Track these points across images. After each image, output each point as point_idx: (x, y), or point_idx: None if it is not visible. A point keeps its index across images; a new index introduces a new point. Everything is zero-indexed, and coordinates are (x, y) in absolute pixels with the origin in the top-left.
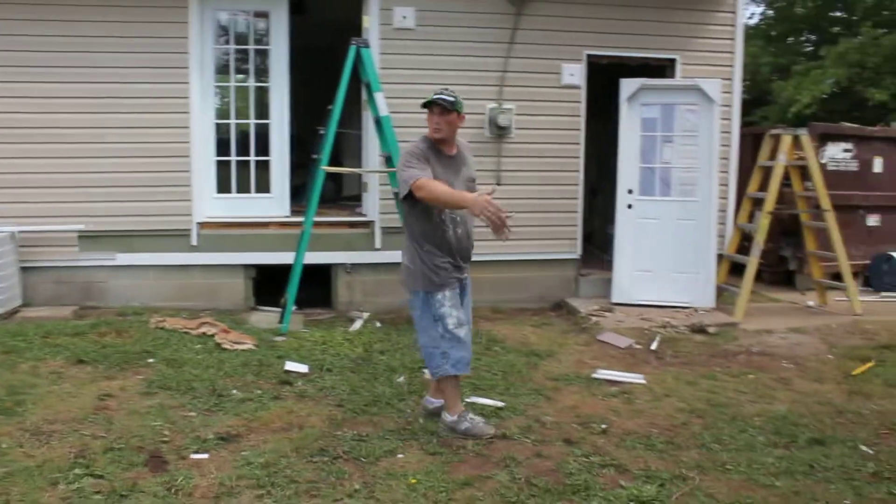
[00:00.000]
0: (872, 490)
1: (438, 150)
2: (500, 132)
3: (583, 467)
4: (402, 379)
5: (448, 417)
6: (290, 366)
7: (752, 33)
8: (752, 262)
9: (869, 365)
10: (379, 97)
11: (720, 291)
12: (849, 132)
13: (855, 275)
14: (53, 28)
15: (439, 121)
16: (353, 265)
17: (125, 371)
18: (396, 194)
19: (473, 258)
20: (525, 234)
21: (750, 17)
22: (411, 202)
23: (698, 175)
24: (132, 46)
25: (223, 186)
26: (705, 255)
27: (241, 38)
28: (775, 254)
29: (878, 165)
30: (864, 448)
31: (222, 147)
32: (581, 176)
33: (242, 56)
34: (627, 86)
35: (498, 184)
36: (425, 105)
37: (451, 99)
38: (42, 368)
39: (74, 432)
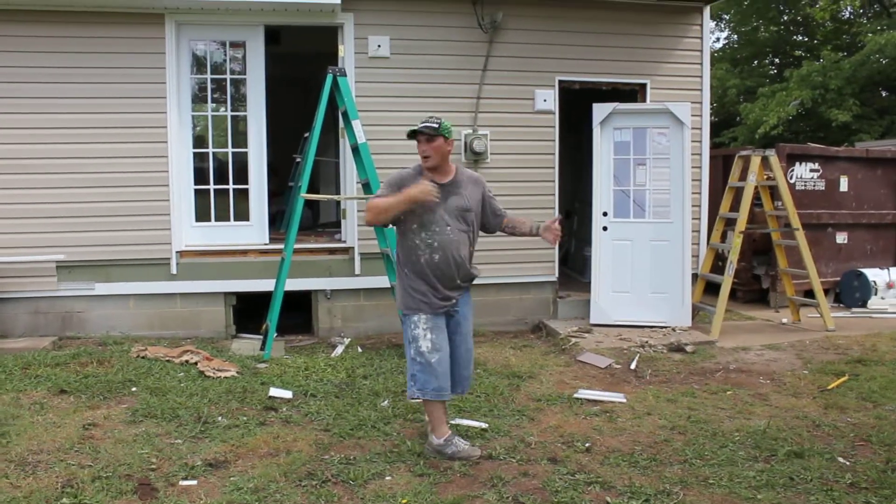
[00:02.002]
0: (851, 500)
1: (428, 178)
2: (475, 157)
3: (569, 485)
4: (386, 403)
5: (435, 441)
6: (275, 392)
7: (718, 57)
8: (727, 281)
9: (843, 379)
10: (356, 124)
11: (696, 310)
12: (815, 152)
13: (826, 291)
14: (31, 59)
15: (426, 148)
16: (333, 291)
17: (108, 400)
18: None
19: None
20: (503, 258)
21: (716, 41)
22: (394, 225)
23: (671, 196)
24: (109, 77)
25: (202, 215)
26: (680, 275)
27: (217, 68)
28: (748, 272)
29: (843, 184)
30: (841, 460)
31: (200, 176)
32: (556, 199)
33: (219, 85)
34: (600, 110)
35: None
36: (410, 135)
37: (435, 125)
38: (24, 399)
39: (61, 462)
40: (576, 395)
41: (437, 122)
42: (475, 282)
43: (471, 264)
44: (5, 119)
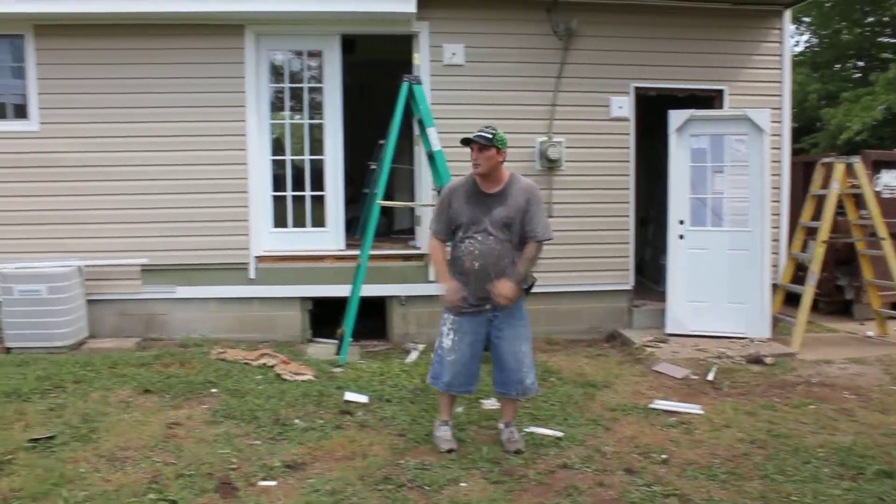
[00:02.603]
0: None
1: (475, 187)
2: (550, 165)
3: (646, 497)
4: (460, 409)
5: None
6: (350, 396)
7: (798, 61)
8: (808, 292)
9: None
10: (431, 132)
11: (775, 322)
12: None
13: None
14: (120, 71)
15: (478, 156)
16: (408, 297)
17: (190, 401)
18: None
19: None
20: (577, 266)
21: (796, 45)
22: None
23: (750, 205)
24: (191, 87)
25: (279, 221)
26: (759, 285)
27: (294, 77)
28: (831, 283)
29: None
30: None
31: (278, 182)
32: (632, 207)
33: (296, 94)
34: (676, 117)
35: (549, 216)
36: (464, 142)
37: (489, 136)
38: (112, 398)
39: (146, 459)
40: (652, 406)
41: (491, 133)
42: (549, 289)
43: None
44: (93, 129)
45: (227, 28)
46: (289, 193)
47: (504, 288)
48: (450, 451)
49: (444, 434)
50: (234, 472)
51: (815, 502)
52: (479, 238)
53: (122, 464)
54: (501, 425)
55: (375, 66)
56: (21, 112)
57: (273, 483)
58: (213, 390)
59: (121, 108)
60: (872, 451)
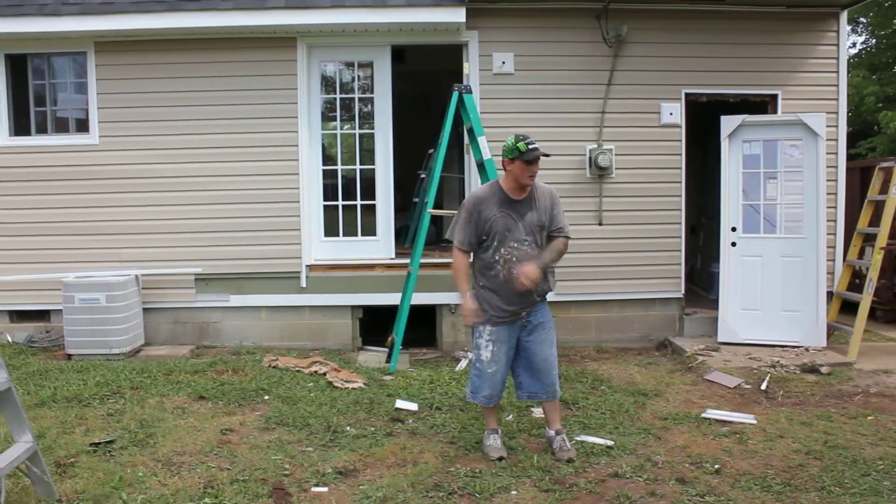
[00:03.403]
0: None
1: (504, 195)
2: (600, 172)
3: None
4: (510, 417)
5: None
6: (401, 404)
7: (854, 63)
8: (865, 300)
9: None
10: (482, 141)
11: (831, 330)
12: None
13: None
14: (174, 85)
15: (534, 171)
16: (457, 305)
17: (243, 407)
18: None
19: (578, 297)
20: (627, 274)
21: (852, 47)
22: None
23: (804, 211)
24: (244, 98)
25: (330, 230)
26: (814, 293)
27: (345, 87)
28: (889, 291)
29: None
30: None
31: (329, 192)
32: (682, 214)
33: (347, 104)
34: (728, 123)
35: (599, 224)
36: (528, 159)
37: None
38: (167, 404)
39: (202, 464)
40: (703, 415)
41: (537, 144)
42: (599, 297)
43: (546, 278)
44: (150, 141)
45: (280, 40)
46: (339, 203)
47: (529, 270)
48: (500, 459)
49: (493, 443)
50: (287, 477)
51: None
52: (515, 245)
53: (178, 468)
54: (552, 433)
55: (429, 75)
56: (82, 126)
57: (325, 489)
58: (266, 397)
59: (176, 120)
60: None
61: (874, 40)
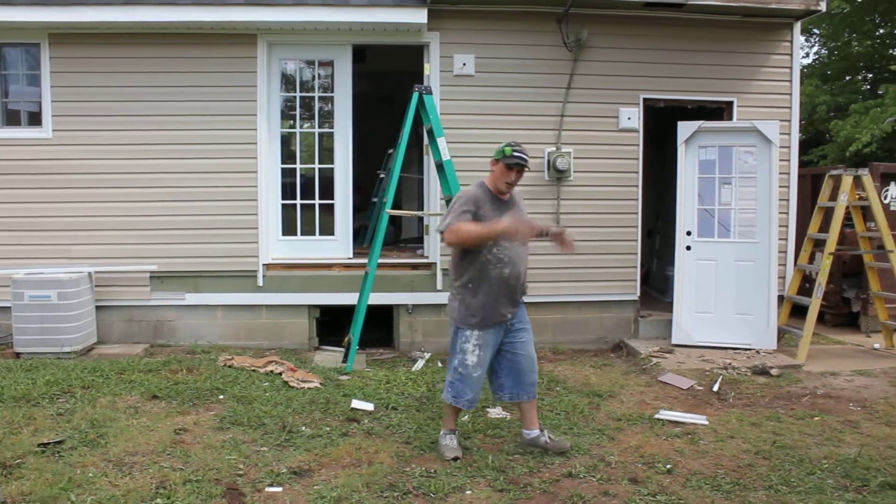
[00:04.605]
0: None
1: (494, 196)
2: (558, 175)
3: None
4: (466, 417)
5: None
6: (357, 404)
7: (807, 73)
8: (815, 304)
9: None
10: (441, 142)
11: (781, 333)
12: None
13: None
14: (132, 80)
15: (518, 178)
16: (415, 306)
17: (198, 407)
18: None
19: (535, 299)
20: (584, 276)
21: (805, 57)
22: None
23: (757, 216)
24: (202, 95)
25: (288, 229)
26: (766, 297)
27: (305, 86)
28: (838, 295)
29: None
30: None
31: (287, 190)
32: (639, 218)
33: (307, 103)
34: (684, 128)
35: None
36: (508, 164)
37: (528, 158)
38: (120, 403)
39: (154, 464)
40: (657, 416)
41: (526, 154)
42: (556, 299)
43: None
44: (105, 136)
45: (240, 37)
46: (298, 202)
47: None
48: (455, 458)
49: (450, 443)
50: (241, 478)
51: None
52: (506, 245)
53: (130, 469)
54: (535, 433)
55: (390, 75)
56: (35, 119)
57: (279, 489)
58: (221, 397)
59: (132, 115)
60: (877, 464)
61: (826, 51)
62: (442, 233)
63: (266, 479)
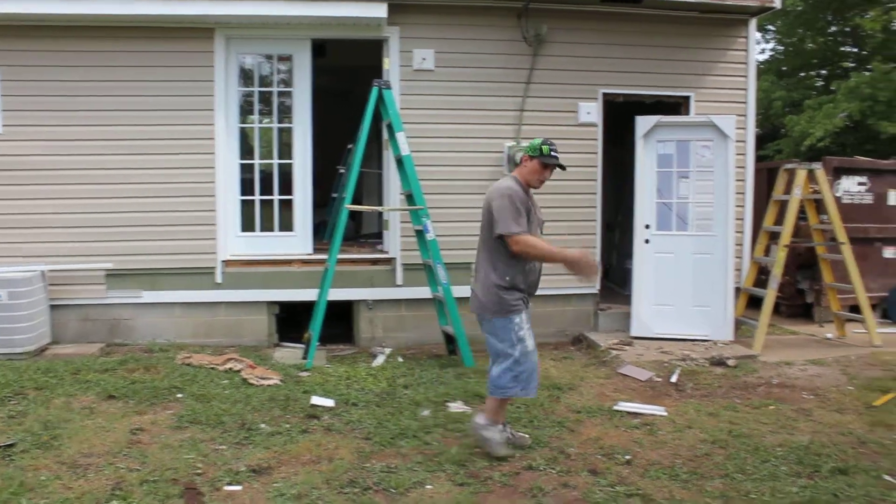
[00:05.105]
0: None
1: (526, 191)
2: None
3: (609, 497)
4: (426, 412)
5: (480, 419)
6: (317, 400)
7: (763, 69)
8: (770, 295)
9: (890, 396)
10: (400, 137)
11: (738, 324)
12: (863, 165)
13: (873, 307)
14: (86, 74)
15: (546, 177)
16: (375, 301)
17: (155, 406)
18: (419, 232)
19: None
20: (545, 270)
21: (761, 53)
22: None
23: (714, 210)
24: (159, 90)
25: (247, 225)
26: (723, 289)
27: (264, 81)
28: (792, 286)
29: (892, 198)
30: (887, 478)
31: (246, 186)
32: (599, 211)
33: (266, 98)
34: (643, 123)
35: None
36: (546, 163)
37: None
38: (74, 404)
39: (110, 465)
40: (616, 408)
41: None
42: None
43: None
44: (59, 131)
45: (197, 31)
46: (257, 197)
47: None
48: (506, 457)
49: (502, 438)
50: (200, 477)
51: (773, 500)
52: (539, 236)
53: (85, 471)
54: (509, 429)
55: (350, 70)
56: None
57: (238, 488)
58: (179, 395)
59: (87, 110)
60: (829, 450)
61: (781, 47)
62: (504, 236)
63: (225, 477)
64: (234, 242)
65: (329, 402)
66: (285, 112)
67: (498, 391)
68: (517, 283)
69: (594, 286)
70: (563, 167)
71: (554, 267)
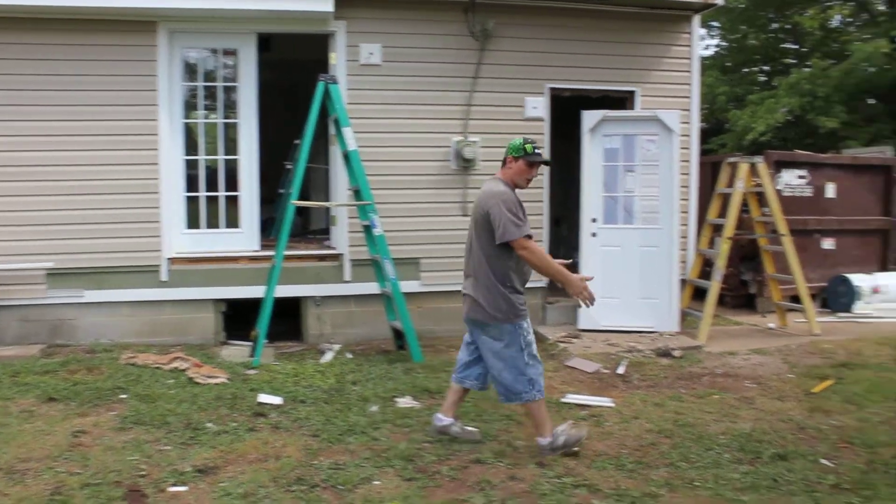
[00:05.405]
0: (833, 501)
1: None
2: (465, 164)
3: (556, 488)
4: (375, 408)
5: (543, 441)
6: (264, 398)
7: (708, 64)
8: (714, 287)
9: (828, 383)
10: (347, 132)
11: (684, 316)
12: (802, 159)
13: (812, 297)
14: (22, 67)
15: (533, 175)
16: (323, 298)
17: (98, 408)
18: (366, 227)
19: (444, 288)
20: None
21: (706, 49)
22: (504, 245)
23: (660, 203)
24: (101, 84)
25: (193, 222)
26: (668, 281)
27: (209, 75)
28: (736, 278)
29: (830, 191)
30: (824, 461)
31: (191, 183)
32: (546, 206)
33: (211, 93)
34: (589, 118)
35: (465, 215)
36: (532, 161)
37: None
38: (12, 408)
39: (49, 469)
40: (564, 400)
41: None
42: (461, 289)
43: None
44: None
45: (139, 24)
46: (202, 194)
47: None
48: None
49: (567, 429)
50: (144, 478)
51: (716, 486)
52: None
53: (23, 476)
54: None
55: (297, 65)
56: None
57: (184, 488)
58: (123, 396)
59: (24, 105)
60: (769, 436)
61: (725, 43)
62: (511, 242)
63: (170, 478)
64: (180, 240)
65: (277, 400)
66: (231, 107)
67: (516, 397)
68: (518, 286)
69: (543, 281)
70: (548, 163)
71: None
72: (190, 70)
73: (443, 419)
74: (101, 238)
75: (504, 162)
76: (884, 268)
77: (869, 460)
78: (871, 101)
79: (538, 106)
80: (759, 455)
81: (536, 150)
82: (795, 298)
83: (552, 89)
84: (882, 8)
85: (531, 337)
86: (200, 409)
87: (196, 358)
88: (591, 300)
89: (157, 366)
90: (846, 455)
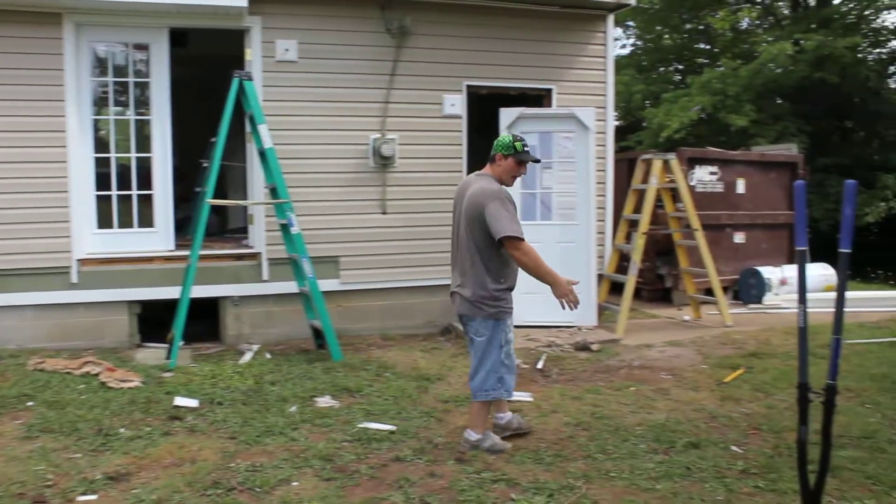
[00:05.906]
0: (742, 485)
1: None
2: (383, 162)
3: (475, 484)
4: (294, 409)
5: (473, 436)
6: (180, 401)
7: (624, 63)
8: (630, 281)
9: (739, 372)
10: (263, 129)
11: (602, 310)
12: (714, 156)
13: (725, 289)
14: None
15: (522, 172)
16: (241, 297)
17: (1, 416)
18: (283, 226)
19: (362, 286)
20: (412, 262)
21: (623, 48)
22: (498, 243)
23: (577, 199)
24: (4, 78)
25: (104, 221)
26: (586, 276)
27: (120, 71)
28: (652, 272)
29: (741, 187)
30: (734, 448)
31: (103, 181)
32: None
33: (122, 88)
34: (506, 115)
35: (383, 213)
36: (521, 159)
37: None
38: None
39: None
40: None
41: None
42: (384, 285)
43: None
44: None
45: (43, 16)
46: (114, 193)
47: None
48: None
49: (497, 440)
50: (50, 489)
51: (631, 476)
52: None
53: None
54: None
55: (213, 61)
56: None
57: (94, 497)
58: (29, 403)
59: None
60: (683, 426)
61: (641, 43)
62: (506, 239)
63: (79, 487)
64: (91, 240)
65: (193, 403)
66: (144, 103)
67: (483, 394)
68: (511, 283)
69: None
70: (537, 161)
71: (424, 258)
72: (100, 65)
73: (502, 417)
74: (7, 239)
75: (493, 159)
76: (791, 260)
77: (775, 445)
78: (779, 101)
79: (456, 103)
80: (673, 444)
81: (526, 148)
82: (709, 291)
83: (470, 87)
84: (786, 12)
85: (511, 335)
86: (113, 414)
87: (109, 362)
88: (575, 303)
89: (67, 371)
90: (755, 441)
